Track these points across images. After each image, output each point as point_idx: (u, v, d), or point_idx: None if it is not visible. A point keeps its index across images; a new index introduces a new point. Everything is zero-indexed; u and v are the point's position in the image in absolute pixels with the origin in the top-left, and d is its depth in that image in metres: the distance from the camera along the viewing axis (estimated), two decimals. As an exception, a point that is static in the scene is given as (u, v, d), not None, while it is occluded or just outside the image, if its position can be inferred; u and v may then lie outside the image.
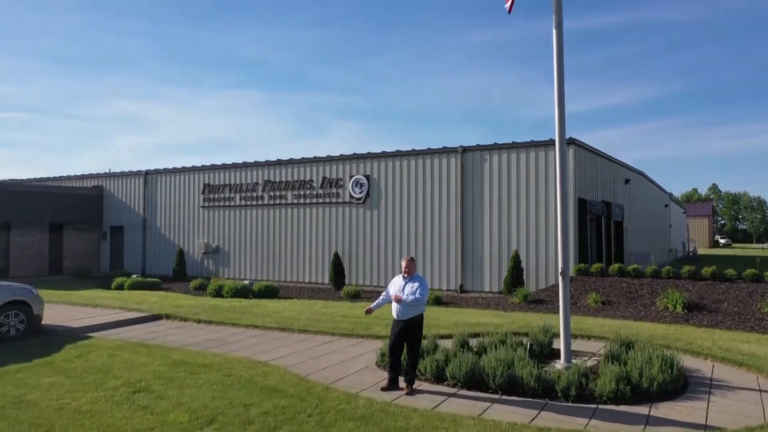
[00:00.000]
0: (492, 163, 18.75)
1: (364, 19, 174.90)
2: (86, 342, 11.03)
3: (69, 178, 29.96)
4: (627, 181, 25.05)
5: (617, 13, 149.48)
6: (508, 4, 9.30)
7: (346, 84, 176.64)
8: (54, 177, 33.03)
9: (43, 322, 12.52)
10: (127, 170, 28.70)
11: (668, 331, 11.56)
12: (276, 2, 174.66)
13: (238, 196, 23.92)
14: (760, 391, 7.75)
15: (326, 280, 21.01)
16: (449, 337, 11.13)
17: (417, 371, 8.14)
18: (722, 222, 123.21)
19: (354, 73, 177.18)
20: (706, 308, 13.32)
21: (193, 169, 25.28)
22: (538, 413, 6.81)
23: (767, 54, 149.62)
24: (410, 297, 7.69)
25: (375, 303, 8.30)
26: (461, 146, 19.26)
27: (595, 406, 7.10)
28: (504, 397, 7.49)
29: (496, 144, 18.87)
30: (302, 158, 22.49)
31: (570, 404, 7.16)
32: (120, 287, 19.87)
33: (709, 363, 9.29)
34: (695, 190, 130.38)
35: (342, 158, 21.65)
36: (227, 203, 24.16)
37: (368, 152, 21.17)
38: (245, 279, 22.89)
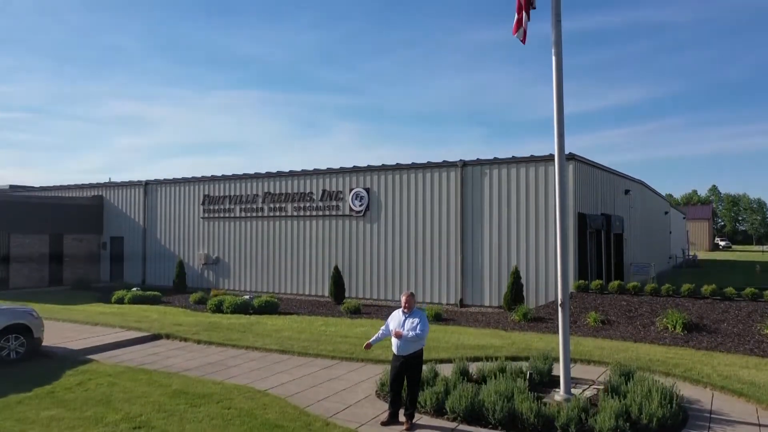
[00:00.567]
0: (492, 178, 18.76)
1: (364, 19, 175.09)
2: (86, 367, 11.03)
3: (69, 187, 29.97)
4: (627, 191, 25.07)
5: (616, 13, 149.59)
6: (519, 34, 9.19)
7: (346, 84, 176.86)
8: (54, 186, 33.08)
9: (43, 343, 12.53)
10: (127, 180, 28.75)
11: (668, 354, 11.57)
12: (276, 2, 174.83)
13: (238, 208, 23.94)
14: (760, 425, 7.76)
15: (326, 293, 21.02)
16: (449, 361, 11.13)
17: (417, 404, 8.15)
18: (722, 223, 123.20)
19: (354, 72, 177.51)
20: (705, 329, 13.33)
21: (193, 180, 25.29)
22: (538, 453, 6.81)
23: (767, 54, 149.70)
24: (411, 333, 7.71)
25: (374, 337, 8.31)
26: (461, 160, 19.28)
27: (594, 444, 7.10)
28: (504, 433, 7.50)
29: (496, 159, 18.89)
30: (302, 170, 22.51)
31: (569, 442, 7.16)
32: (120, 301, 19.88)
33: (709, 392, 9.30)
34: (695, 191, 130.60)
35: (342, 171, 21.66)
36: (227, 214, 24.17)
37: (368, 165, 21.20)
38: (245, 292, 22.92)
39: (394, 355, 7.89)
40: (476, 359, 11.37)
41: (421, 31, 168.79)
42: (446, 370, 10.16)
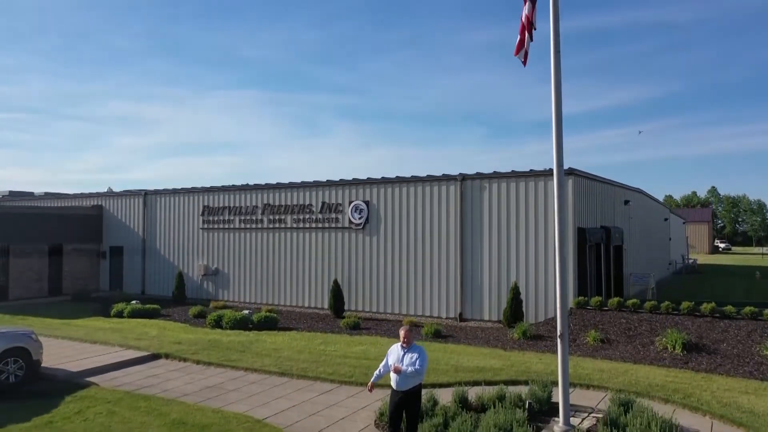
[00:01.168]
0: (491, 192, 18.75)
1: (364, 19, 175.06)
2: (85, 392, 11.02)
3: (69, 196, 29.99)
4: (626, 202, 25.06)
5: (617, 13, 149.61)
6: (521, 55, 9.17)
7: (346, 84, 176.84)
8: (53, 192, 33.14)
9: (43, 364, 12.53)
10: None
11: (667, 378, 11.56)
12: (276, 2, 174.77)
13: (237, 219, 23.92)
14: (759, 461, 7.75)
15: (326, 305, 21.01)
16: (448, 385, 11.15)
17: (416, 437, 8.14)
18: (721, 225, 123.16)
19: (354, 73, 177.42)
20: (705, 349, 13.32)
21: (193, 191, 25.28)
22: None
23: (767, 54, 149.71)
24: (410, 368, 7.70)
25: (375, 375, 8.26)
26: (461, 174, 19.28)
27: (593, 483, 7.10)
28: (503, 470, 7.49)
29: (496, 173, 18.88)
30: (302, 182, 22.51)
31: (568, 480, 7.16)
32: (119, 314, 19.86)
33: (708, 420, 9.30)
34: (694, 193, 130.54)
35: (341, 183, 21.66)
36: (227, 226, 24.16)
37: (368, 178, 21.20)
38: (245, 303, 22.90)
39: (392, 389, 7.88)
40: (475, 383, 11.39)
41: (421, 31, 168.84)
42: (445, 396, 10.17)
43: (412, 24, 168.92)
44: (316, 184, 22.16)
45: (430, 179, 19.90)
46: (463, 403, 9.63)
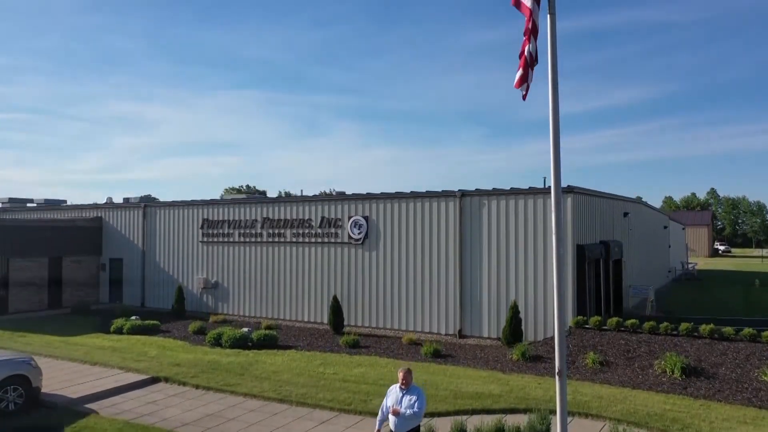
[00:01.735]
0: (491, 209, 18.76)
1: (364, 20, 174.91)
2: (85, 422, 11.04)
3: (68, 207, 30.01)
4: (625, 214, 25.09)
5: (616, 13, 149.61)
6: (523, 88, 9.05)
7: (345, 84, 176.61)
8: (53, 199, 33.14)
9: (42, 390, 12.56)
10: (125, 199, 28.82)
11: (665, 405, 11.58)
12: (276, 2, 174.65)
13: (237, 232, 23.94)
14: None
15: (325, 320, 21.01)
16: (447, 414, 11.19)
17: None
18: (721, 226, 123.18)
19: (353, 73, 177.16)
20: (703, 373, 13.34)
21: (192, 204, 25.30)
22: None
23: (767, 54, 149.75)
24: (408, 411, 7.72)
25: (378, 422, 8.19)
26: (460, 190, 19.30)
27: None
28: None
29: (495, 189, 18.91)
30: (301, 196, 22.54)
31: None
32: (119, 331, 19.87)
33: (706, 455, 9.32)
34: (694, 194, 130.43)
35: (341, 198, 21.68)
36: (226, 239, 24.18)
37: (367, 193, 21.22)
38: (244, 317, 22.93)
39: (390, 431, 7.90)
40: (474, 412, 11.43)
41: (420, 31, 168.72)
42: (444, 426, 10.21)
43: (412, 24, 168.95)
44: (316, 199, 22.18)
45: (429, 195, 19.92)
46: (461, 436, 9.65)
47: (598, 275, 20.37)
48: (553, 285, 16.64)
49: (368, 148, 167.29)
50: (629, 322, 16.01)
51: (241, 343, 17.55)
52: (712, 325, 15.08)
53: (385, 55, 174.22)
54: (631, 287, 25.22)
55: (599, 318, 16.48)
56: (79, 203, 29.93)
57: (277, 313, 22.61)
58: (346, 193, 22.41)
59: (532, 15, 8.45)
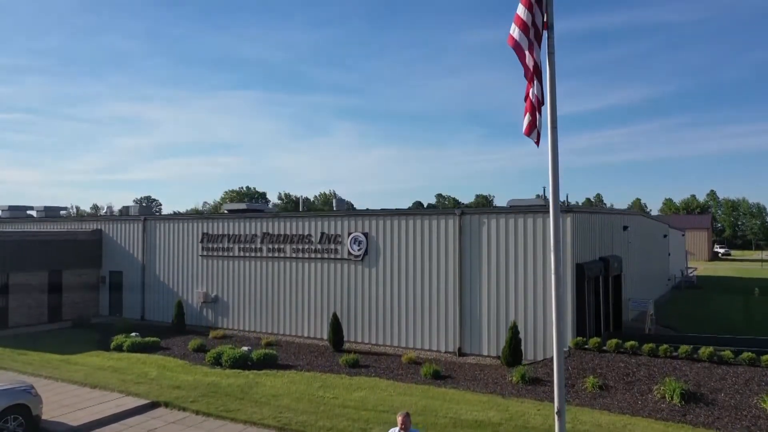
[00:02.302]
0: (490, 227, 18.78)
1: (364, 20, 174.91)
2: (85, 454, 11.06)
3: (68, 219, 30.07)
4: (625, 228, 25.10)
5: (616, 13, 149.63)
6: (534, 135, 8.87)
7: (345, 84, 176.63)
8: (53, 207, 33.18)
9: (43, 417, 12.59)
10: (125, 210, 28.86)
11: (665, 435, 11.61)
12: (275, 3, 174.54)
13: (236, 247, 23.96)
14: None
15: (325, 336, 21.04)
16: (447, 445, 11.21)
17: None
18: (720, 228, 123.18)
19: (353, 73, 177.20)
20: (702, 399, 13.36)
21: (192, 217, 25.34)
22: None
23: (767, 54, 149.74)
24: (407, 456, 7.74)
25: None
26: (459, 208, 19.35)
27: None
28: None
29: (495, 207, 19.00)
30: (301, 212, 22.60)
31: None
32: (119, 348, 19.88)
33: (705, 492, 9.34)
34: (693, 196, 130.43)
35: (341, 214, 21.72)
36: (226, 253, 24.20)
37: (367, 209, 21.31)
38: (244, 332, 22.95)
39: (390, 475, 7.93)
40: (474, 442, 11.45)
41: (421, 31, 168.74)
42: (444, 459, 10.23)
43: (412, 24, 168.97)
44: (316, 215, 22.21)
45: (429, 212, 19.96)
46: (461, 472, 9.67)
47: (598, 292, 20.38)
48: (551, 304, 16.75)
49: (368, 148, 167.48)
50: (628, 344, 16.02)
51: (241, 363, 17.57)
52: (711, 349, 15.11)
53: (385, 55, 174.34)
54: (631, 300, 25.20)
55: (598, 339, 16.50)
56: (78, 207, 29.96)
57: (277, 329, 22.63)
58: (343, 197, 22.46)
59: (534, 57, 8.42)
